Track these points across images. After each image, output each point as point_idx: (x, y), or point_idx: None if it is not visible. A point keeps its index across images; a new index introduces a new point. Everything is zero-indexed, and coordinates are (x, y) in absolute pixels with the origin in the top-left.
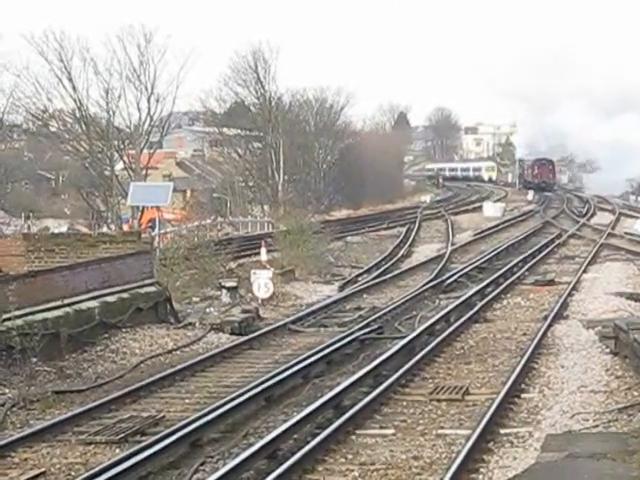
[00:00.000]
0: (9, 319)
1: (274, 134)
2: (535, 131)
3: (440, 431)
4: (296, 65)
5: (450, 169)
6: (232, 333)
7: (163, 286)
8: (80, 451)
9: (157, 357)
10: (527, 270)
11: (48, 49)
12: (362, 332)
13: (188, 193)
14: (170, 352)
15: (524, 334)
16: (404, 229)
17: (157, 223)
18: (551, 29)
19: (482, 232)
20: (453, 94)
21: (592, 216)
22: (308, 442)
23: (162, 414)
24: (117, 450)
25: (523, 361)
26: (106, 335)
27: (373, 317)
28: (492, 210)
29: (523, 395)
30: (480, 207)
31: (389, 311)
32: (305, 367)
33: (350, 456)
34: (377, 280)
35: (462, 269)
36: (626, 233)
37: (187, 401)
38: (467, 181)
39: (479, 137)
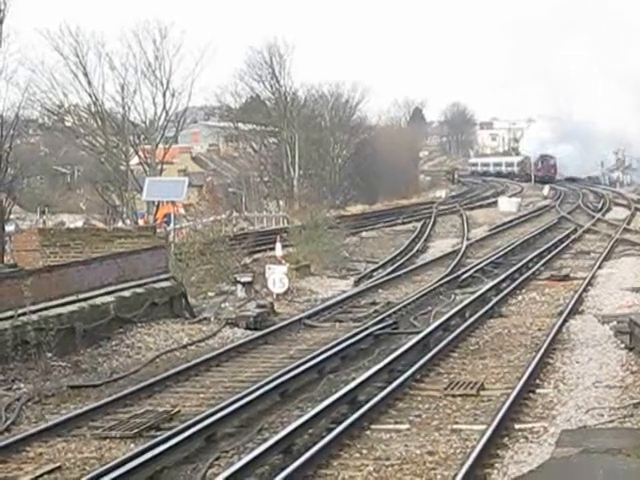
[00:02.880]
0: (24, 314)
1: (289, 129)
2: (559, 125)
3: (455, 426)
4: (311, 60)
5: (495, 164)
6: (247, 328)
7: (178, 281)
8: (95, 446)
9: (172, 352)
10: (542, 265)
11: (64, 44)
12: (377, 327)
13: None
14: (185, 347)
15: (539, 329)
16: (419, 224)
17: (172, 218)
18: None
19: (497, 227)
20: (468, 89)
21: (607, 211)
22: (323, 437)
23: (177, 409)
24: (132, 445)
25: (538, 356)
26: (121, 330)
27: (388, 312)
28: (507, 205)
29: (538, 390)
30: (495, 202)
31: (404, 306)
32: (320, 362)
33: (365, 451)
34: (392, 275)
35: (477, 264)
36: None
37: (202, 396)
38: (513, 177)
39: (494, 132)
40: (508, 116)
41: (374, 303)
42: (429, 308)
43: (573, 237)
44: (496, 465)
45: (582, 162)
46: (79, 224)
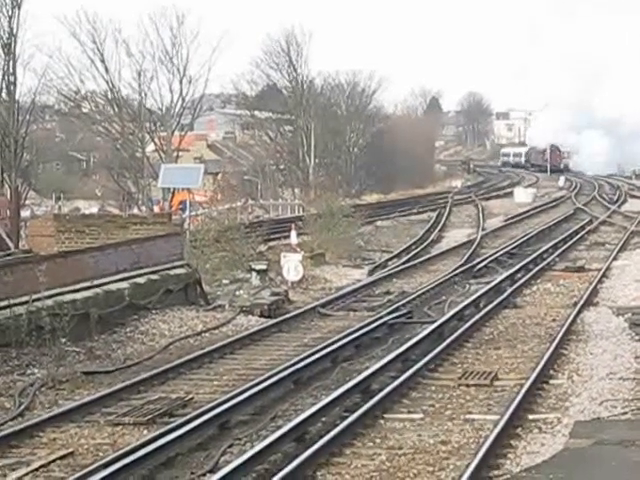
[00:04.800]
0: (39, 299)
1: (305, 117)
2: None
3: (468, 416)
4: (328, 48)
5: (527, 154)
6: (261, 316)
7: (193, 268)
8: (108, 432)
9: (186, 339)
10: (557, 256)
11: (81, 30)
12: (391, 316)
13: (219, 177)
14: (199, 334)
15: (554, 320)
16: (434, 214)
17: (187, 205)
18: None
19: (513, 218)
20: (485, 79)
21: (623, 203)
22: (336, 425)
23: (191, 396)
24: (145, 431)
25: (552, 347)
26: (135, 316)
27: (402, 301)
28: (523, 196)
29: (552, 381)
30: (511, 193)
31: (418, 296)
32: (334, 351)
33: (378, 440)
34: (407, 265)
35: (492, 254)
36: None
37: (216, 383)
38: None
39: (510, 122)
40: (525, 106)
41: (388, 292)
42: (443, 298)
43: (588, 228)
44: (509, 455)
45: (608, 155)
46: (94, 210)
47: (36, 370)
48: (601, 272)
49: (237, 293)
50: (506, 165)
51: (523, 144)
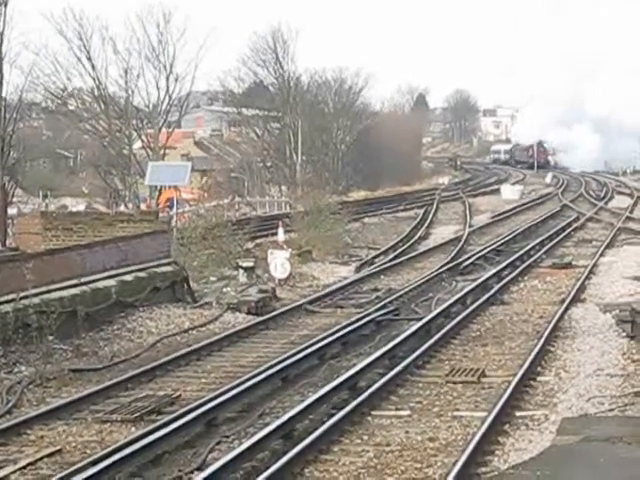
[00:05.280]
0: (26, 297)
1: (292, 115)
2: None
3: (456, 413)
4: (315, 46)
5: (511, 151)
6: (249, 313)
7: (180, 265)
8: (96, 429)
9: (173, 336)
10: (544, 253)
11: (67, 28)
12: (378, 313)
13: (204, 179)
14: (187, 331)
15: (541, 317)
16: (421, 211)
17: (175, 202)
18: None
19: (500, 215)
20: (472, 76)
21: (610, 199)
22: (324, 422)
23: (178, 393)
24: (133, 429)
25: (540, 344)
26: (123, 314)
27: (390, 298)
28: (510, 193)
29: (539, 378)
30: (498, 190)
31: (406, 293)
32: (321, 348)
33: (365, 437)
34: (394, 262)
35: (479, 251)
36: None
37: (203, 380)
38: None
39: (498, 119)
40: (512, 104)
41: (376, 289)
42: (431, 295)
43: (575, 225)
44: (497, 452)
45: (597, 152)
46: (81, 208)
47: (23, 368)
48: (588, 269)
49: (224, 290)
50: (496, 162)
51: (508, 141)
